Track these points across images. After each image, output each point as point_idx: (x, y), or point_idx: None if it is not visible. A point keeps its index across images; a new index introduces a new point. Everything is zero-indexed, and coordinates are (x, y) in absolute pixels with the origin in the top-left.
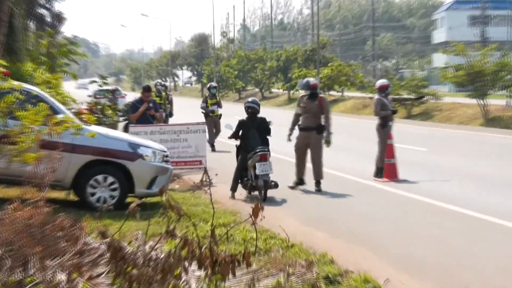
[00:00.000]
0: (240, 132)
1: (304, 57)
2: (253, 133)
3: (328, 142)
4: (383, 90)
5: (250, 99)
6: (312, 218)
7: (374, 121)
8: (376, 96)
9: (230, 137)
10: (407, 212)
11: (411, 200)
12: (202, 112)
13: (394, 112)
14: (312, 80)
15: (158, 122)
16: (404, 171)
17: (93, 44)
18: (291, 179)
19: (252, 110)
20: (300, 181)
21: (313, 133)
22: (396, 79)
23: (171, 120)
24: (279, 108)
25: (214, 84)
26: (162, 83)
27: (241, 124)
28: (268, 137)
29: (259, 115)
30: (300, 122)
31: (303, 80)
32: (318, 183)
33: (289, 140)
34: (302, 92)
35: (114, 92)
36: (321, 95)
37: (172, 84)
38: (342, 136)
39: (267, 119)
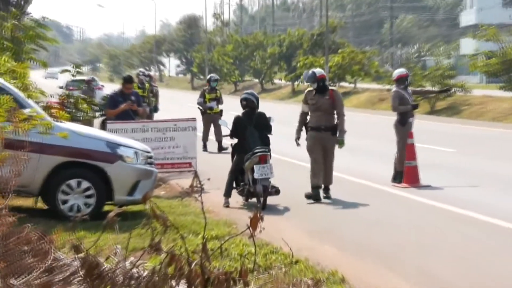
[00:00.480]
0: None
1: (310, 42)
2: (251, 131)
3: (341, 143)
4: (402, 81)
5: (247, 91)
6: (320, 229)
7: (392, 117)
8: (394, 88)
9: (228, 135)
10: (429, 223)
11: (435, 208)
12: (199, 108)
13: (415, 107)
14: (318, 70)
15: (141, 118)
16: (427, 175)
17: (66, 28)
18: (295, 184)
19: (248, 103)
20: (315, 192)
21: (327, 134)
22: (418, 68)
23: (156, 116)
24: (281, 102)
25: (215, 76)
26: (146, 72)
27: (236, 121)
28: (269, 135)
29: (258, 110)
30: (308, 122)
31: (308, 71)
32: (327, 189)
33: (298, 144)
34: (307, 86)
35: (89, 82)
36: (332, 88)
37: (157, 73)
38: (354, 134)
39: (267, 115)
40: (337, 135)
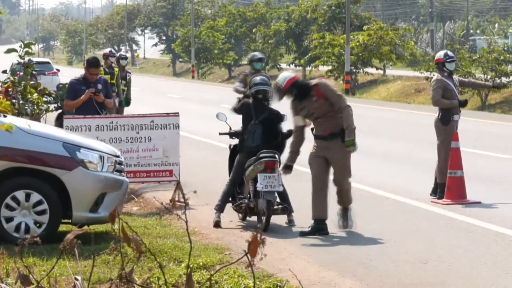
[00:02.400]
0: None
1: (327, 16)
2: (256, 127)
3: (350, 144)
4: (445, 66)
5: (257, 78)
6: (337, 258)
7: (433, 113)
8: (435, 75)
9: (228, 133)
10: (480, 250)
11: (486, 232)
12: (238, 98)
13: (463, 103)
14: (283, 78)
15: (109, 112)
16: (477, 188)
17: None
18: (304, 198)
19: (263, 95)
20: (319, 225)
21: (335, 142)
22: (466, 51)
23: (127, 110)
24: None
25: (258, 54)
26: (122, 53)
27: (245, 107)
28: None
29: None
30: (313, 128)
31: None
32: (345, 211)
33: (287, 172)
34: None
35: (25, 65)
36: (314, 83)
37: (129, 54)
38: (383, 136)
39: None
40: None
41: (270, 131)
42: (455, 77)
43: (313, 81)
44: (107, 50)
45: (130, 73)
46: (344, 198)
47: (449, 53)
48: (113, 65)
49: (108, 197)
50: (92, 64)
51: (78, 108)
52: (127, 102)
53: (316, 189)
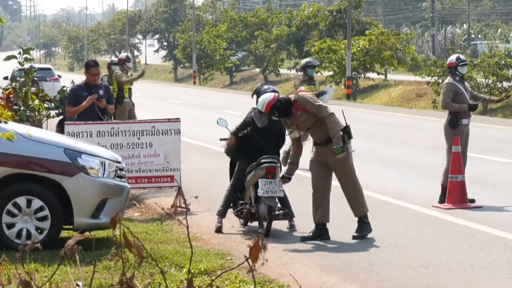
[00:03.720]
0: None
1: (328, 21)
2: (267, 134)
3: (339, 152)
4: (457, 69)
5: (265, 86)
6: (338, 263)
7: (434, 119)
8: (447, 79)
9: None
10: (481, 255)
11: (488, 236)
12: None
13: (473, 107)
14: (262, 102)
15: (111, 118)
16: (478, 193)
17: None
18: (306, 203)
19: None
20: (320, 230)
21: (330, 146)
22: (467, 55)
23: None
24: None
25: (313, 62)
26: (114, 60)
27: (248, 123)
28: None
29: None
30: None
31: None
32: (359, 222)
33: (286, 181)
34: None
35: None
36: (293, 98)
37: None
38: (383, 141)
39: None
40: (348, 145)
41: (273, 137)
42: (467, 83)
43: (292, 97)
44: (123, 55)
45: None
46: (353, 206)
47: (461, 56)
48: (128, 70)
49: (110, 203)
50: (91, 64)
51: (80, 114)
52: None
53: (316, 193)
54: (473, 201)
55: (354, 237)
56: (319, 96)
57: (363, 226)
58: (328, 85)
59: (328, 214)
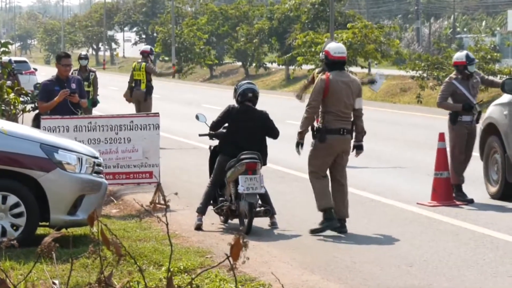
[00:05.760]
0: (223, 126)
1: (311, 14)
2: (245, 128)
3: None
4: (466, 68)
5: (243, 82)
6: (321, 261)
7: (417, 114)
8: (448, 78)
9: (208, 134)
10: (467, 253)
11: (473, 234)
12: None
13: (468, 107)
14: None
15: (84, 112)
16: (464, 190)
17: None
18: (289, 200)
19: (254, 94)
20: (329, 215)
21: (347, 137)
22: (452, 50)
23: (97, 111)
24: (272, 93)
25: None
26: (82, 54)
27: (229, 112)
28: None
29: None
30: (324, 121)
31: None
32: (343, 223)
33: (300, 152)
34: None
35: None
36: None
37: (108, 53)
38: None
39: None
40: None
41: (261, 132)
42: (477, 77)
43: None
44: (147, 48)
45: (94, 71)
46: (345, 206)
47: (470, 55)
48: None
49: (87, 199)
50: (62, 55)
51: (52, 109)
52: (93, 103)
53: (322, 185)
54: (471, 201)
55: (311, 231)
56: (370, 84)
57: (345, 226)
58: (377, 73)
59: (331, 198)
